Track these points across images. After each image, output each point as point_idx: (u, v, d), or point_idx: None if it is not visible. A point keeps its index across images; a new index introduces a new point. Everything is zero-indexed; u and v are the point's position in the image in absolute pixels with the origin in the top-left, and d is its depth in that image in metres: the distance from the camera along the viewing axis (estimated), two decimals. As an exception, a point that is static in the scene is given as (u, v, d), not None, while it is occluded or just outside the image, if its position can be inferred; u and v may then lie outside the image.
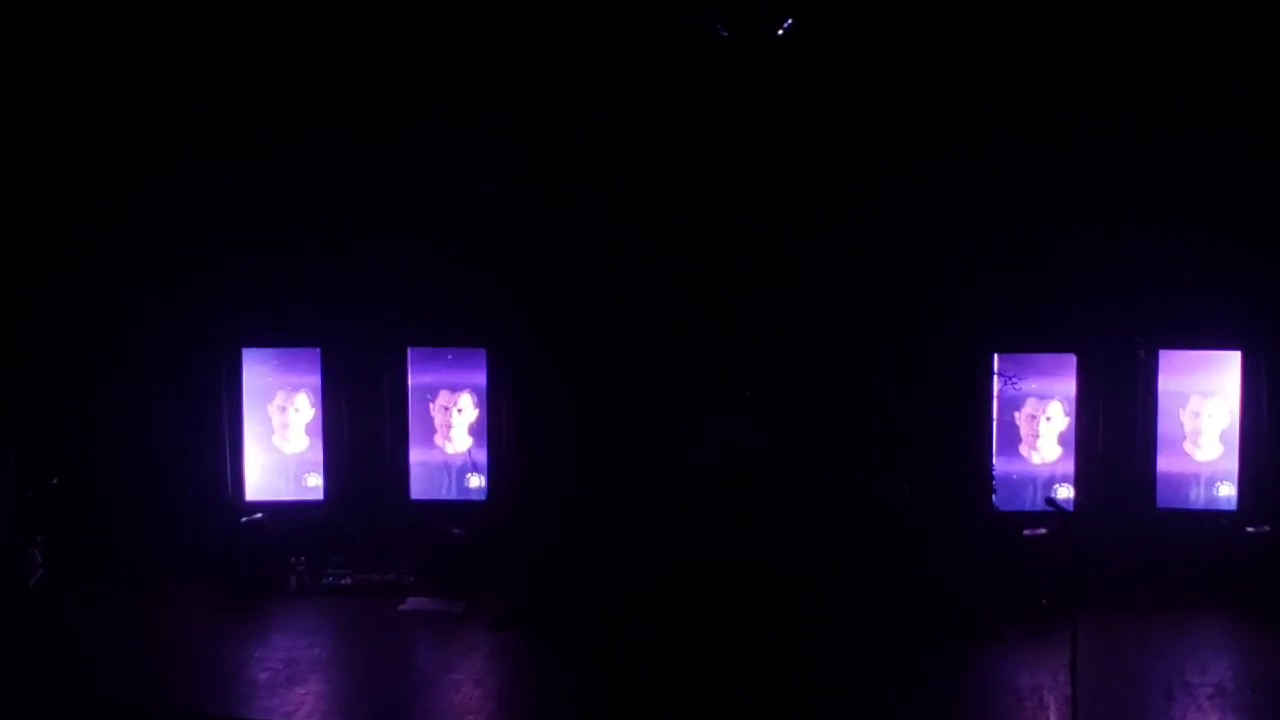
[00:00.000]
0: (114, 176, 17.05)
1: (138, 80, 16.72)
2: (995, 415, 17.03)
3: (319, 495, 17.83)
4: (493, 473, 17.69)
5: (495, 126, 17.01)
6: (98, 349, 17.40)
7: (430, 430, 17.83)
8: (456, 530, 17.13)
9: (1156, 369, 16.87)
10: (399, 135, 17.22)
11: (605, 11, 16.46)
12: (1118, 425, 17.05)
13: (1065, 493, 16.82)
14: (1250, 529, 16.48)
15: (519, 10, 16.48)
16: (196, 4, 16.63)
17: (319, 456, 17.86)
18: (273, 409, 17.83)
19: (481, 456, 17.71)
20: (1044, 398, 17.02)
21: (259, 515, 17.31)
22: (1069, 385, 17.03)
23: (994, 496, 16.86)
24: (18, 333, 16.60)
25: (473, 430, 17.77)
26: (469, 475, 17.71)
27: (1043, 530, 16.02)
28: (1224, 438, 16.87)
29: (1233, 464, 16.85)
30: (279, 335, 17.82)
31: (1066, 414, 17.02)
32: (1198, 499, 16.94)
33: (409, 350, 17.79)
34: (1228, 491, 16.86)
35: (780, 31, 15.96)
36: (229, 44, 16.67)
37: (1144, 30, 16.11)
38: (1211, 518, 16.84)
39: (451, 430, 17.79)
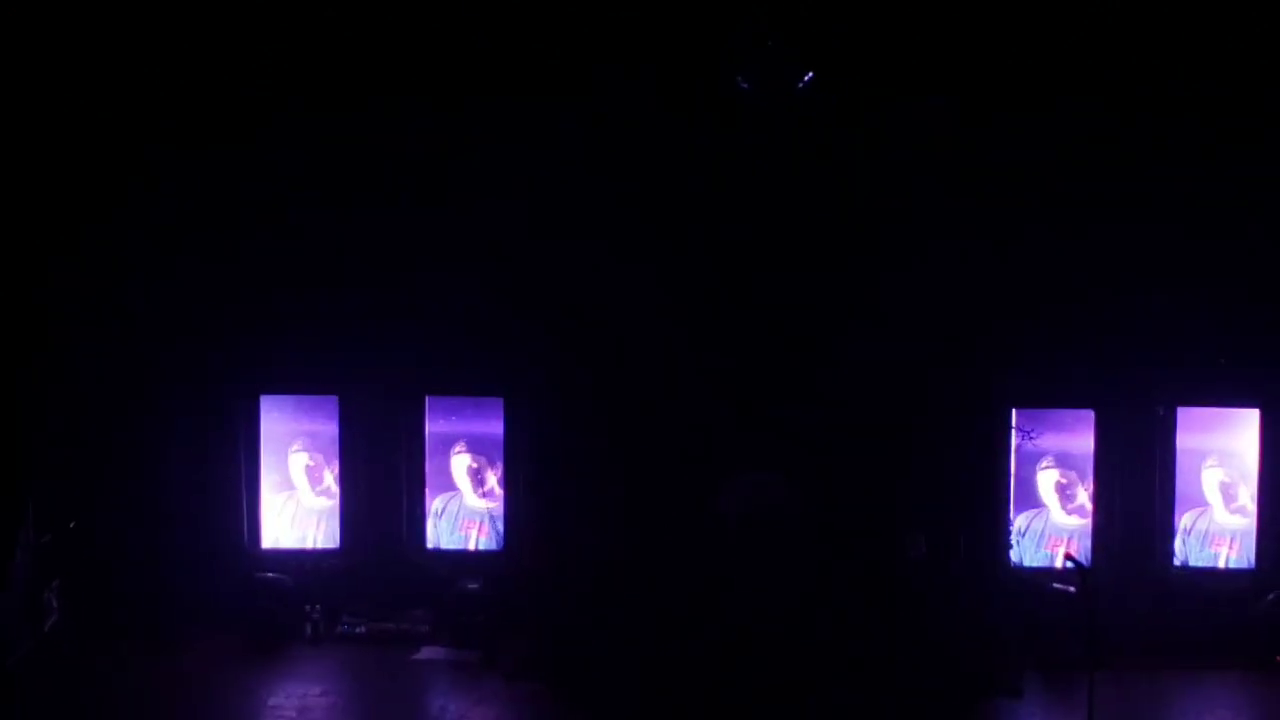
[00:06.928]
0: (134, 225, 17.08)
1: (163, 126, 16.79)
2: (1013, 470, 17.02)
3: (335, 544, 17.81)
4: (509, 523, 17.68)
5: (511, 178, 17.05)
6: (118, 395, 17.41)
7: (447, 480, 17.83)
8: (471, 584, 17.11)
9: (1175, 426, 16.85)
10: (417, 186, 17.25)
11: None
12: (1135, 482, 17.02)
13: (1081, 550, 16.77)
14: (1270, 596, 16.38)
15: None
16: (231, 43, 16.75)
17: (335, 505, 17.86)
18: (290, 456, 17.85)
19: (498, 506, 17.72)
20: (1064, 465, 17.04)
21: (278, 576, 17.29)
22: (1086, 441, 17.02)
23: (1011, 551, 16.81)
24: (37, 378, 16.61)
25: (487, 483, 17.79)
26: (485, 525, 17.71)
27: (1065, 586, 15.96)
28: (1242, 497, 16.85)
29: (1250, 523, 16.80)
30: (297, 383, 17.84)
31: (1083, 483, 17.03)
32: (1215, 558, 16.90)
33: (426, 398, 17.82)
34: (1244, 551, 16.81)
35: (800, 85, 16.07)
36: (256, 90, 16.76)
37: (1175, 89, 16.18)
38: (1229, 577, 16.78)
39: (468, 482, 17.80)
